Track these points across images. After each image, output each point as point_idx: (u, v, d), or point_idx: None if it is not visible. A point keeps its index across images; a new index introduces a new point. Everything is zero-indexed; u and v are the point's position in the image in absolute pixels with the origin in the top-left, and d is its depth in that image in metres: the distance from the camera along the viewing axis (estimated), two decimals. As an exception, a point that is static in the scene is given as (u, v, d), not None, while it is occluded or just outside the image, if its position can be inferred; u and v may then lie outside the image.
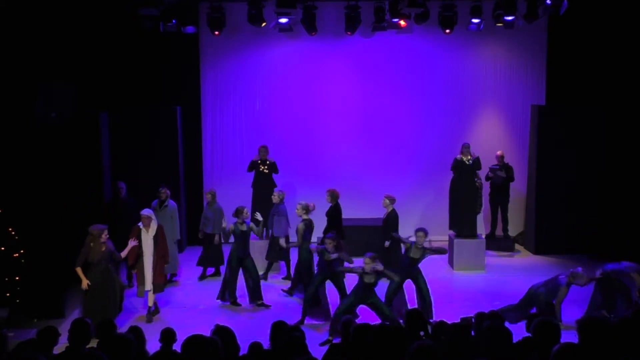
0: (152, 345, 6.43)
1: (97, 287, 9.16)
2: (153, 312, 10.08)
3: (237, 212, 10.59)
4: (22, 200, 10.09)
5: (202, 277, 12.02)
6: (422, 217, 14.44)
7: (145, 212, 10.11)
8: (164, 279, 10.40)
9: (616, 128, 13.11)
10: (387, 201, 11.53)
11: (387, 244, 11.28)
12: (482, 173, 13.23)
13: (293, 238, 11.39)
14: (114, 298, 9.30)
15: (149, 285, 9.95)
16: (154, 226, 10.01)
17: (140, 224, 9.98)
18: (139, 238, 9.86)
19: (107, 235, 9.28)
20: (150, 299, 10.02)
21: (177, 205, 11.83)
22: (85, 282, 9.14)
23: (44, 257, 10.06)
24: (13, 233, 9.97)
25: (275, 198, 11.67)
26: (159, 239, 10.03)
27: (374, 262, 9.04)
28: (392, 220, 11.45)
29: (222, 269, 11.57)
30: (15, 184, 10.11)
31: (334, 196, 11.52)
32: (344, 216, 13.51)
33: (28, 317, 9.90)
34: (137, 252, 9.89)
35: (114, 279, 9.40)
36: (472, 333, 6.60)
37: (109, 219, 10.62)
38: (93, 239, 9.18)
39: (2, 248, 9.90)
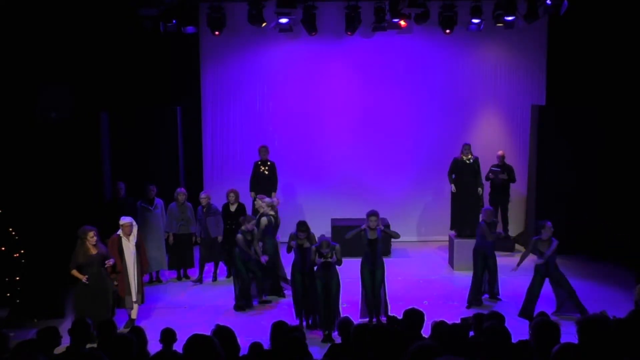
0: (152, 345, 6.42)
1: (87, 291, 8.87)
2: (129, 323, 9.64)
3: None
4: (22, 200, 10.09)
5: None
6: (422, 217, 14.49)
7: (125, 219, 9.58)
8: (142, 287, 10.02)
9: (616, 128, 13.11)
10: (260, 202, 11.55)
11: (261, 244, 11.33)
12: (483, 172, 13.25)
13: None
14: (106, 303, 8.99)
15: (135, 295, 9.60)
16: (134, 232, 9.57)
17: (119, 232, 9.49)
18: (119, 248, 9.41)
19: (95, 238, 8.96)
20: (135, 311, 9.71)
21: (163, 202, 11.92)
22: (84, 278, 8.80)
23: (44, 257, 10.04)
24: (13, 233, 9.97)
25: (204, 201, 11.68)
26: (140, 245, 9.68)
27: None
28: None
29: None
30: (16, 184, 10.11)
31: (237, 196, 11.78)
32: (345, 216, 13.54)
33: (28, 317, 9.88)
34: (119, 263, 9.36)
35: (106, 284, 9.07)
36: (472, 333, 6.60)
37: (107, 219, 10.59)
38: (81, 241, 8.92)
39: (2, 248, 9.90)
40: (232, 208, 11.74)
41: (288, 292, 10.82)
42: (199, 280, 11.87)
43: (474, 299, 10.70)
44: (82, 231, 8.95)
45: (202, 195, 11.88)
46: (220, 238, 11.75)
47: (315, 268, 9.58)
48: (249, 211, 11.91)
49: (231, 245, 11.55)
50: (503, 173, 13.31)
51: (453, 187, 12.88)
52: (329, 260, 9.32)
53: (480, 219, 11.17)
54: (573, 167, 13.26)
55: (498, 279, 10.95)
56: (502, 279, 11.91)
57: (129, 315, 9.70)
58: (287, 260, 10.94)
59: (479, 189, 12.83)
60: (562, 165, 13.25)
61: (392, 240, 13.46)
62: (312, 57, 14.19)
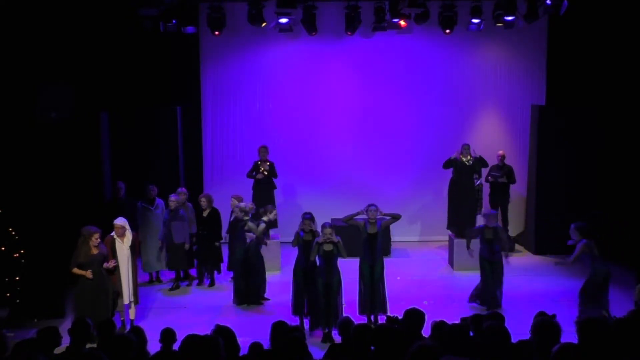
0: (152, 345, 6.42)
1: (87, 291, 8.81)
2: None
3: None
4: (22, 200, 10.08)
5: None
6: (422, 217, 14.48)
7: (119, 221, 9.47)
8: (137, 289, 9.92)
9: (616, 128, 13.11)
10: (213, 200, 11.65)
11: (217, 243, 11.55)
12: (484, 172, 13.26)
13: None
14: (106, 303, 8.92)
15: (127, 298, 9.45)
16: (129, 235, 9.44)
17: (112, 233, 9.39)
18: (112, 250, 9.27)
19: (99, 240, 8.90)
20: (132, 312, 9.63)
21: (163, 202, 11.83)
22: (88, 272, 8.73)
23: (44, 257, 10.03)
24: (13, 233, 9.97)
25: (172, 204, 11.33)
26: (135, 248, 9.58)
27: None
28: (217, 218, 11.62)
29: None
30: (15, 184, 10.10)
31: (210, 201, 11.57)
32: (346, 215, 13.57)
33: (28, 317, 9.87)
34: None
35: (106, 284, 8.97)
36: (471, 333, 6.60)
37: (107, 219, 10.55)
38: (83, 240, 8.85)
39: (2, 248, 9.90)
40: (205, 214, 11.42)
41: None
42: (176, 286, 11.59)
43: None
44: (86, 231, 8.88)
45: (172, 197, 11.41)
46: (186, 245, 11.48)
47: (318, 263, 9.54)
48: (224, 217, 11.58)
49: (206, 251, 11.51)
50: (502, 177, 13.31)
51: (453, 156, 12.88)
52: (333, 240, 9.15)
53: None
54: (573, 168, 13.26)
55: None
56: (504, 279, 11.92)
57: (121, 318, 9.58)
58: (288, 260, 10.95)
59: (476, 178, 12.84)
60: (562, 166, 13.26)
61: (392, 240, 13.49)
62: (312, 57, 14.19)
